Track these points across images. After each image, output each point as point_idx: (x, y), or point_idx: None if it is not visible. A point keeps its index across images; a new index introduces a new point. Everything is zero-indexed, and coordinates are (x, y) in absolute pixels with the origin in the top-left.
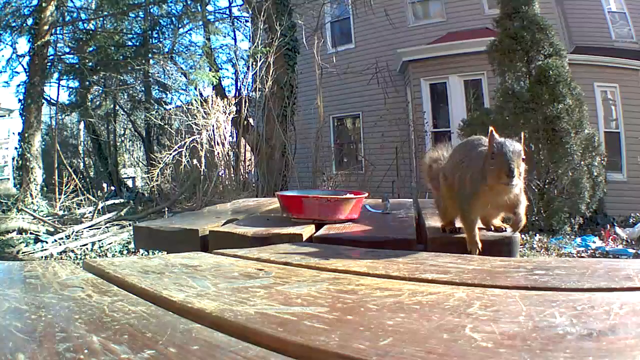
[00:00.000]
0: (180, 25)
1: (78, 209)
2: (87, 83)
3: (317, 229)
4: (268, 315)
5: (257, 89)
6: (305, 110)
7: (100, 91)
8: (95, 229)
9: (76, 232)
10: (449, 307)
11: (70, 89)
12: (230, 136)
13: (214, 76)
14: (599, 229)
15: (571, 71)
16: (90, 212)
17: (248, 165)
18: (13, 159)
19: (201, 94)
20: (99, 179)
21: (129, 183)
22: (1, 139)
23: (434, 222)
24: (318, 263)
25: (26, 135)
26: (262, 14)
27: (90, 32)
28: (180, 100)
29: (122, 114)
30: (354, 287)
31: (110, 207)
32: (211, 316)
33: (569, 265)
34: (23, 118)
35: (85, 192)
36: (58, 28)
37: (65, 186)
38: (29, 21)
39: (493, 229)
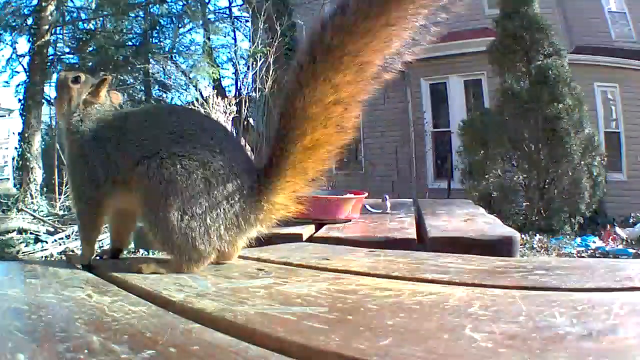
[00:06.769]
0: (180, 25)
1: None
2: None
3: (317, 229)
4: (268, 315)
5: (257, 89)
6: None
7: None
8: None
9: (76, 232)
10: (449, 307)
11: None
12: None
13: (213, 72)
14: (599, 229)
15: (571, 71)
16: None
17: None
18: (13, 159)
19: (201, 94)
20: None
21: None
22: (1, 139)
23: (434, 222)
24: (318, 263)
25: (26, 135)
26: (262, 14)
27: (90, 32)
28: (181, 100)
29: None
30: (354, 287)
31: None
32: (211, 316)
33: (569, 265)
34: (23, 118)
35: None
36: (58, 28)
37: (65, 186)
38: (29, 21)
39: None
